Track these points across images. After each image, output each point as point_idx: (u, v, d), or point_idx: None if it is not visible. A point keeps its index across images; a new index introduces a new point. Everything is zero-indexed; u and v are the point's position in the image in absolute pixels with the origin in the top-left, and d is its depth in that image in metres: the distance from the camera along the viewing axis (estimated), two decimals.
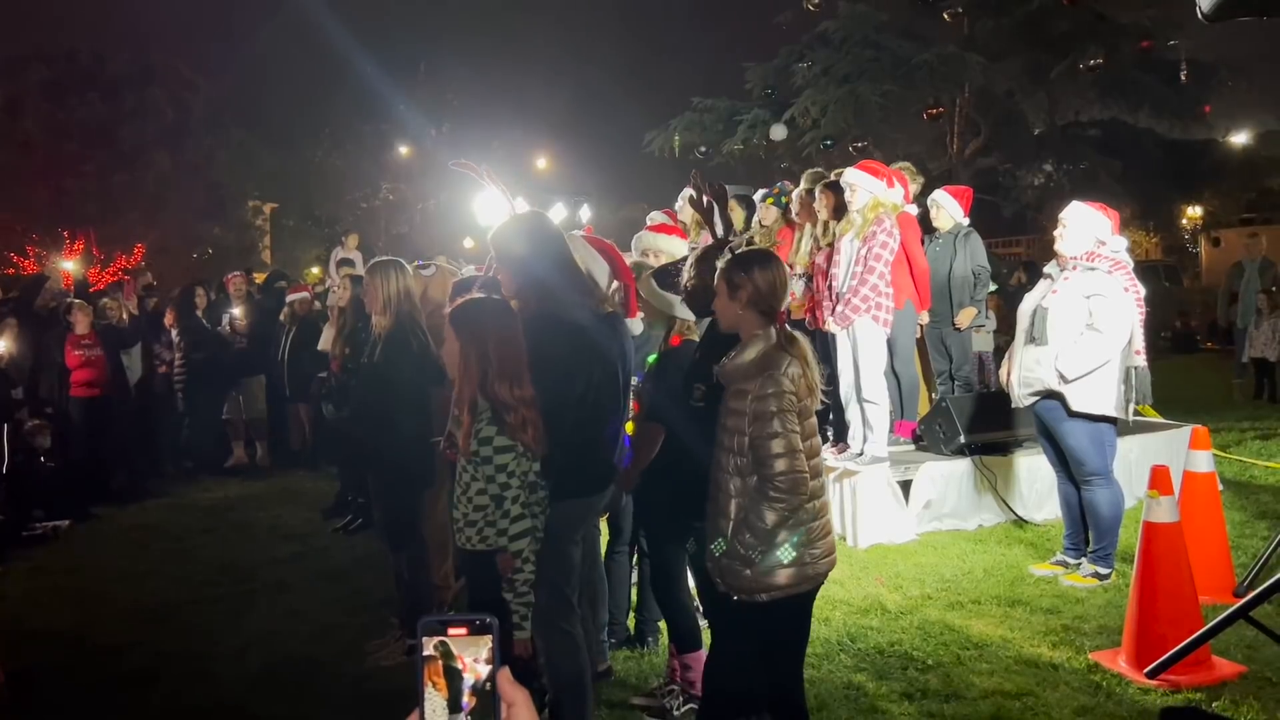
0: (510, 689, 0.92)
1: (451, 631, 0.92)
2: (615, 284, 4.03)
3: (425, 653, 0.92)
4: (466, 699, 0.91)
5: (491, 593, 3.25)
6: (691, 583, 3.97)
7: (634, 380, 3.97)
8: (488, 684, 0.91)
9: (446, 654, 0.91)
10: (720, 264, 3.22)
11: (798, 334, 3.11)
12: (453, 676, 0.91)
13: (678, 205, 7.62)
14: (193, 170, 26.66)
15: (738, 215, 7.42)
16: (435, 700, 0.91)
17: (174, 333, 9.83)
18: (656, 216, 6.72)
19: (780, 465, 2.89)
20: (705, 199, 3.80)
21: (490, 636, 0.92)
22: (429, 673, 0.91)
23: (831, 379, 6.68)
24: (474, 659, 0.91)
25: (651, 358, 3.95)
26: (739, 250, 3.31)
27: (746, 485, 2.98)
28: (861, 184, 6.26)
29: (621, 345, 3.70)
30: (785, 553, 2.96)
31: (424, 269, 5.47)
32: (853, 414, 6.52)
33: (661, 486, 3.78)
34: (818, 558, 3.01)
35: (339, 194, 32.30)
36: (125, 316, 9.48)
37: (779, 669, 3.17)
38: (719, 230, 3.70)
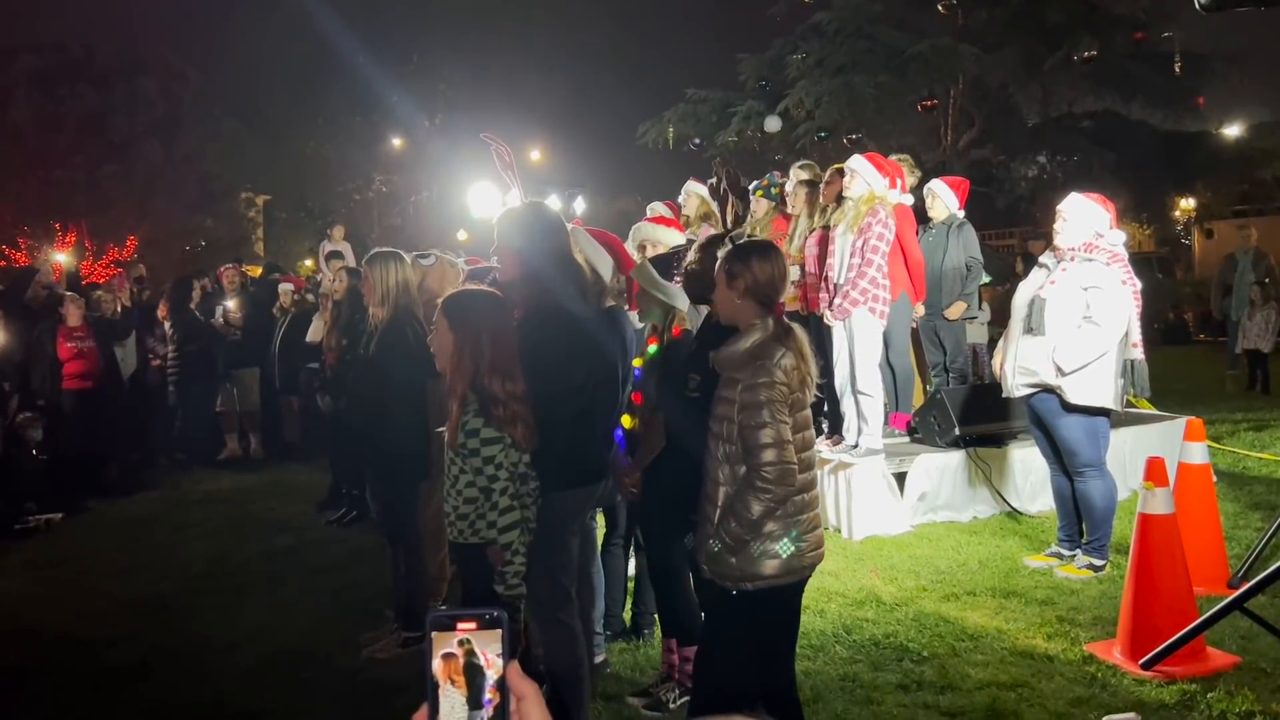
0: (520, 682, 0.91)
1: (461, 626, 0.91)
2: (619, 278, 4.03)
3: (445, 650, 0.90)
4: (489, 695, 0.90)
5: (485, 585, 3.24)
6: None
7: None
8: (500, 688, 0.91)
9: (469, 650, 0.90)
10: (720, 254, 3.21)
11: (796, 326, 3.10)
12: (474, 673, 0.90)
13: (680, 198, 7.61)
14: (184, 162, 26.50)
15: (761, 205, 7.42)
16: (454, 697, 0.90)
17: (167, 325, 9.79)
18: (658, 208, 6.72)
19: (769, 455, 2.89)
20: (723, 187, 3.83)
21: (500, 630, 0.91)
22: (448, 669, 0.90)
23: (826, 370, 6.69)
24: (495, 654, 0.90)
25: (652, 349, 3.94)
26: (739, 241, 3.31)
27: (735, 474, 2.99)
28: (862, 173, 6.25)
29: (622, 339, 3.69)
30: (784, 546, 2.96)
31: (423, 259, 5.45)
32: (847, 406, 6.52)
33: (660, 478, 3.77)
34: (805, 550, 3.02)
35: (331, 185, 32.18)
36: (119, 309, 9.43)
37: (769, 660, 3.17)
38: (727, 221, 3.73)
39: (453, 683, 0.90)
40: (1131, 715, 1.33)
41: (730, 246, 3.23)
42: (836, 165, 6.76)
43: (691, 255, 3.82)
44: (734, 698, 3.15)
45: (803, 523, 3.01)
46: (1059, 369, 5.10)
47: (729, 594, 3.03)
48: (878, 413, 6.40)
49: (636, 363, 3.96)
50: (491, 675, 0.90)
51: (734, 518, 2.95)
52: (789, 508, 2.97)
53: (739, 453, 2.96)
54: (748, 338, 3.02)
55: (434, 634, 0.91)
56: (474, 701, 0.90)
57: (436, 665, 0.90)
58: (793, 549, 2.97)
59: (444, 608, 4.08)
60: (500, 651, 0.91)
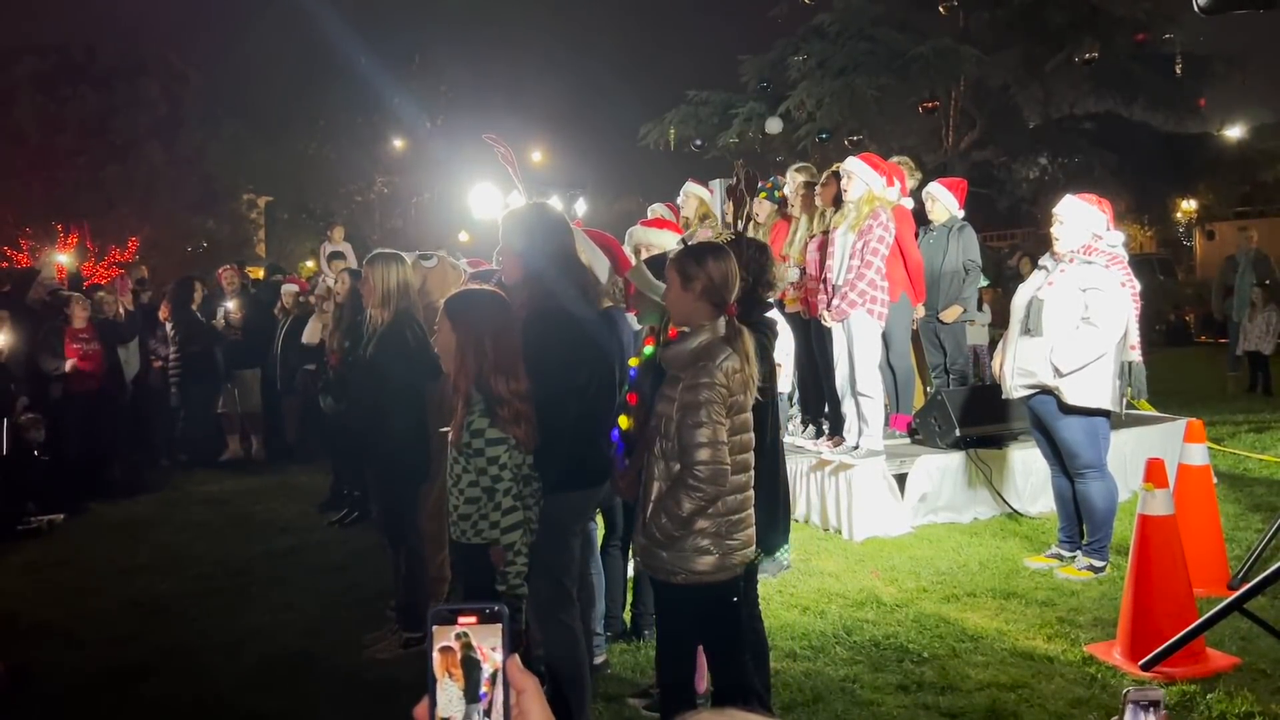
0: (520, 676, 0.92)
1: (462, 620, 0.92)
2: (615, 279, 4.03)
3: (443, 643, 0.91)
4: (485, 688, 0.91)
5: (486, 585, 3.25)
6: None
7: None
8: (500, 681, 0.92)
9: (466, 644, 0.91)
10: (671, 254, 3.26)
11: (745, 329, 3.12)
12: (471, 666, 0.91)
13: (679, 200, 7.62)
14: (186, 163, 26.55)
15: (764, 208, 7.43)
16: (451, 690, 0.91)
17: (168, 326, 9.80)
18: (657, 209, 6.72)
19: (703, 455, 2.94)
20: (741, 188, 3.87)
21: (500, 624, 0.92)
22: (446, 662, 0.91)
23: (827, 372, 6.70)
24: (491, 648, 0.91)
25: (648, 350, 3.95)
26: (691, 243, 3.36)
27: (670, 470, 3.04)
28: (859, 173, 6.27)
29: (620, 340, 3.69)
30: (700, 540, 3.03)
31: (425, 261, 5.46)
32: (848, 407, 6.52)
33: None
34: (734, 549, 3.07)
35: (333, 187, 32.19)
36: (122, 311, 9.45)
37: (717, 655, 3.24)
38: (740, 222, 3.76)
39: (450, 675, 0.91)
40: (1158, 690, 1.33)
41: (682, 247, 3.28)
42: (832, 168, 6.77)
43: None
44: (686, 689, 3.22)
45: (733, 521, 3.06)
46: (1056, 370, 5.10)
47: (668, 588, 3.11)
48: (878, 414, 6.41)
49: (633, 362, 3.97)
50: (488, 669, 0.91)
51: (665, 513, 3.01)
52: (720, 507, 3.03)
53: (675, 450, 3.01)
54: (695, 337, 3.06)
55: (435, 628, 0.92)
56: (471, 694, 0.91)
57: (435, 658, 0.91)
58: (709, 543, 3.04)
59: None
60: (500, 645, 0.92)
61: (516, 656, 0.93)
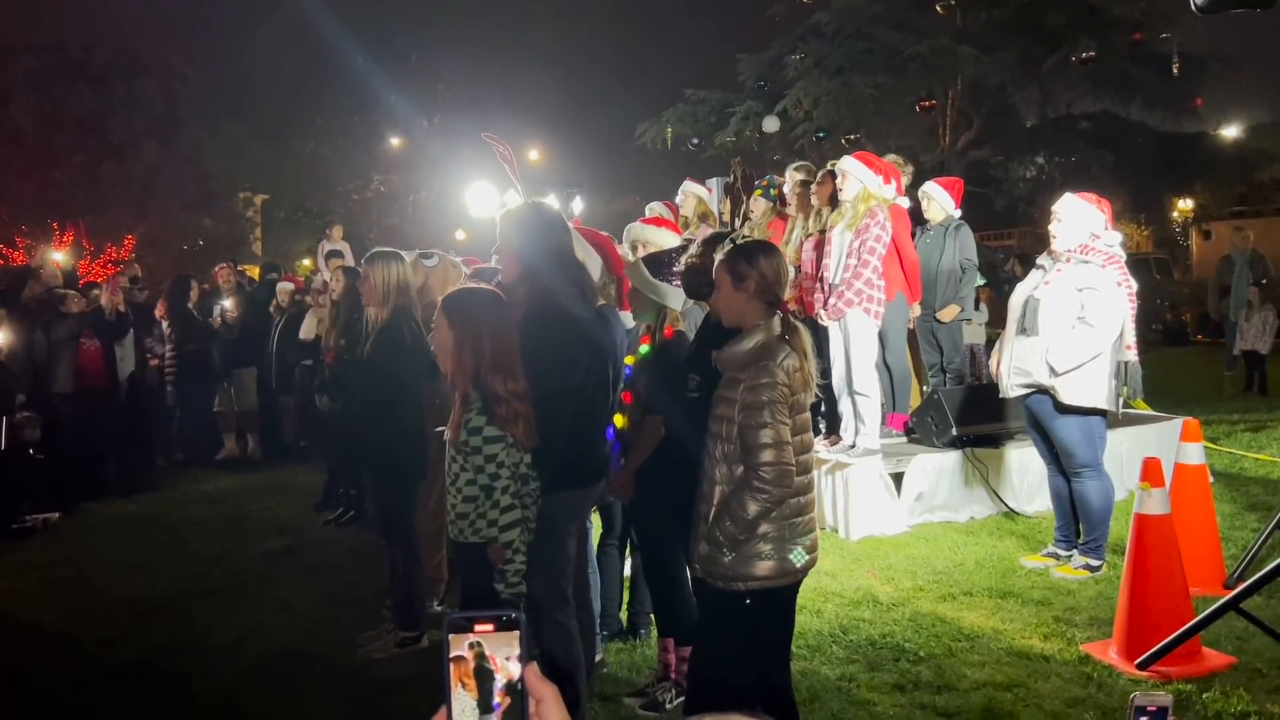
0: (539, 684, 0.91)
1: (478, 629, 0.91)
2: (606, 277, 4.03)
3: (455, 652, 0.91)
4: (498, 699, 0.90)
5: (484, 585, 3.24)
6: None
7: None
8: (519, 683, 0.90)
9: (479, 654, 0.90)
10: (720, 254, 3.20)
11: (801, 326, 3.09)
12: (484, 676, 0.90)
13: (678, 198, 7.62)
14: (182, 161, 26.48)
15: (759, 206, 7.43)
16: (464, 700, 0.90)
17: (165, 325, 9.79)
18: (656, 208, 6.72)
19: (767, 456, 2.89)
20: (738, 186, 3.86)
21: (518, 632, 0.91)
22: (458, 672, 0.90)
23: (824, 371, 6.70)
24: (505, 657, 0.90)
25: (644, 349, 3.94)
26: (740, 241, 3.30)
27: (732, 473, 2.98)
28: (854, 172, 6.27)
29: (614, 339, 3.69)
30: (797, 555, 2.97)
31: (426, 259, 5.45)
32: (845, 406, 6.52)
33: (657, 477, 3.78)
34: (797, 552, 3.01)
35: (330, 185, 32.16)
36: (114, 312, 9.43)
37: (764, 660, 3.17)
38: (736, 219, 3.76)
39: (463, 685, 0.90)
40: (1167, 696, 1.30)
41: (731, 246, 3.22)
42: (827, 167, 6.76)
43: (693, 250, 3.82)
44: (729, 697, 3.15)
45: (799, 525, 3.00)
46: (1052, 369, 5.10)
47: (723, 594, 3.03)
48: (875, 413, 6.41)
49: (628, 360, 3.97)
50: (500, 679, 0.90)
51: (730, 517, 2.94)
52: (785, 509, 2.97)
53: (737, 452, 2.96)
54: (751, 337, 3.00)
55: (451, 636, 0.91)
56: (484, 705, 0.90)
57: (451, 668, 0.90)
58: (805, 559, 2.98)
59: (440, 608, 4.05)
60: (517, 653, 0.90)
61: (535, 664, 0.92)
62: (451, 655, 0.90)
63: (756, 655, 3.14)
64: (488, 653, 0.90)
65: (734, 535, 2.94)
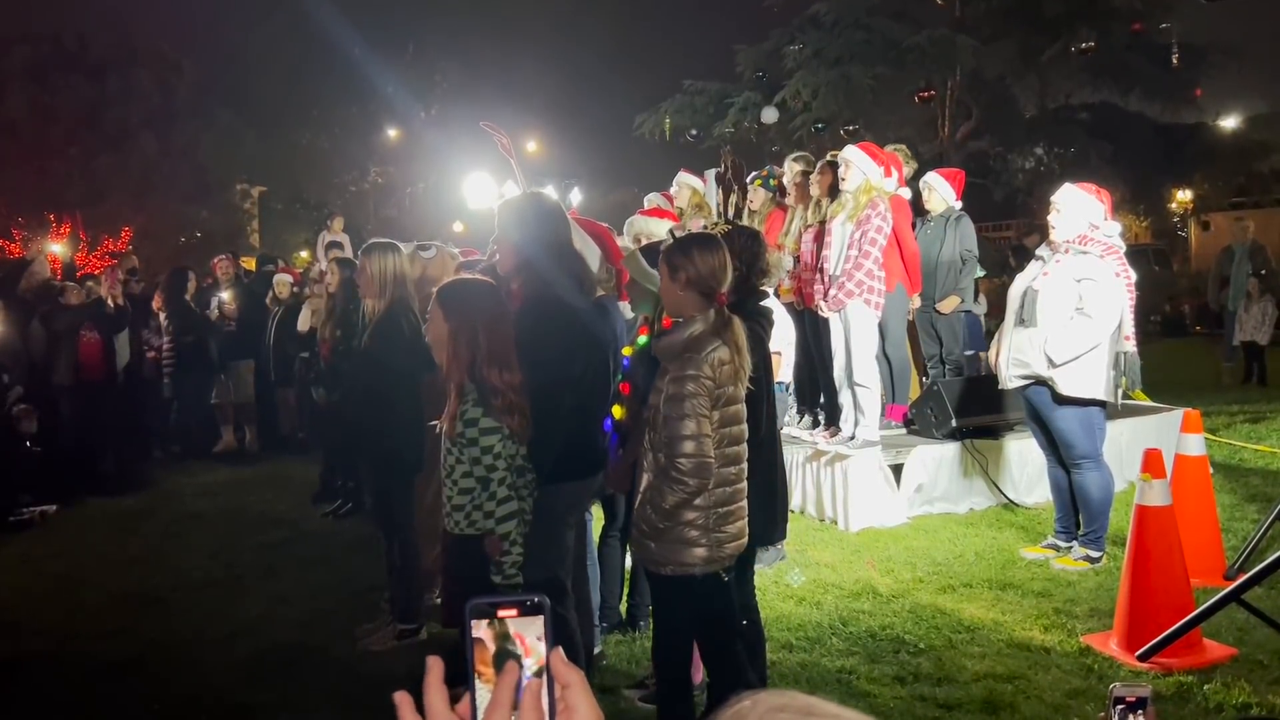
0: (565, 669, 0.89)
1: (502, 613, 0.89)
2: (605, 268, 4.01)
3: (476, 635, 0.88)
4: (524, 683, 0.88)
5: (481, 577, 3.23)
6: None
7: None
8: (545, 667, 0.88)
9: (504, 637, 0.88)
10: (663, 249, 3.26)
11: (736, 319, 3.10)
12: (505, 659, 0.88)
13: (674, 189, 7.59)
14: (179, 153, 26.40)
15: (759, 196, 7.40)
16: (482, 691, 0.87)
17: (162, 317, 9.76)
18: (654, 199, 6.70)
19: (687, 448, 2.93)
20: (728, 176, 3.85)
21: (543, 617, 0.89)
22: (480, 658, 0.88)
23: (825, 362, 6.68)
24: (531, 641, 0.88)
25: (642, 340, 3.92)
26: (679, 235, 3.36)
27: (657, 462, 3.03)
28: (857, 162, 6.24)
29: (613, 329, 3.67)
30: (688, 532, 3.02)
31: (424, 251, 5.42)
32: (845, 397, 6.51)
33: None
34: (723, 541, 3.07)
35: (327, 177, 32.05)
36: (111, 304, 9.40)
37: (709, 646, 3.25)
38: (729, 211, 3.75)
39: (480, 676, 0.87)
40: (1146, 686, 1.27)
41: (672, 240, 3.27)
42: (828, 158, 6.73)
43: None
44: (683, 681, 3.21)
45: (721, 514, 3.06)
46: (1050, 361, 5.09)
47: (659, 579, 3.12)
48: (875, 404, 6.39)
49: (626, 351, 3.95)
50: (531, 664, 0.88)
51: (650, 505, 3.02)
52: (710, 499, 3.02)
53: (663, 442, 3.00)
54: (686, 329, 3.05)
55: (473, 621, 0.89)
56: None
57: (471, 654, 0.88)
58: (697, 534, 3.03)
59: (438, 600, 4.01)
60: (542, 639, 0.88)
61: (560, 649, 0.90)
62: (474, 638, 0.88)
63: (705, 640, 3.24)
64: (513, 633, 0.88)
65: (654, 523, 3.02)
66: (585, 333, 3.48)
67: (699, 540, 3.02)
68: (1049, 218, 5.31)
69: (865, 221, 6.12)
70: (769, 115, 18.33)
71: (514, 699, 0.86)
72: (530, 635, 0.88)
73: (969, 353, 7.74)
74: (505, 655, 0.88)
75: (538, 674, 0.88)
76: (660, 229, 4.81)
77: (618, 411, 3.91)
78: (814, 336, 6.76)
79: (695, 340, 3.00)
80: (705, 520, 3.02)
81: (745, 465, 3.16)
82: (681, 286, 3.08)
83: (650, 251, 3.96)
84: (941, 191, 7.33)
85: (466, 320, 3.23)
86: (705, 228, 4.94)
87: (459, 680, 0.88)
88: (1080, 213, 5.19)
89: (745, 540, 3.18)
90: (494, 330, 3.24)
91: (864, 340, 6.25)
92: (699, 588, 3.08)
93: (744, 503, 3.16)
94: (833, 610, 4.76)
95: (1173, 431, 5.94)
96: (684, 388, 2.94)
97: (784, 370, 5.44)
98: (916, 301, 7.07)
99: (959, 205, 7.38)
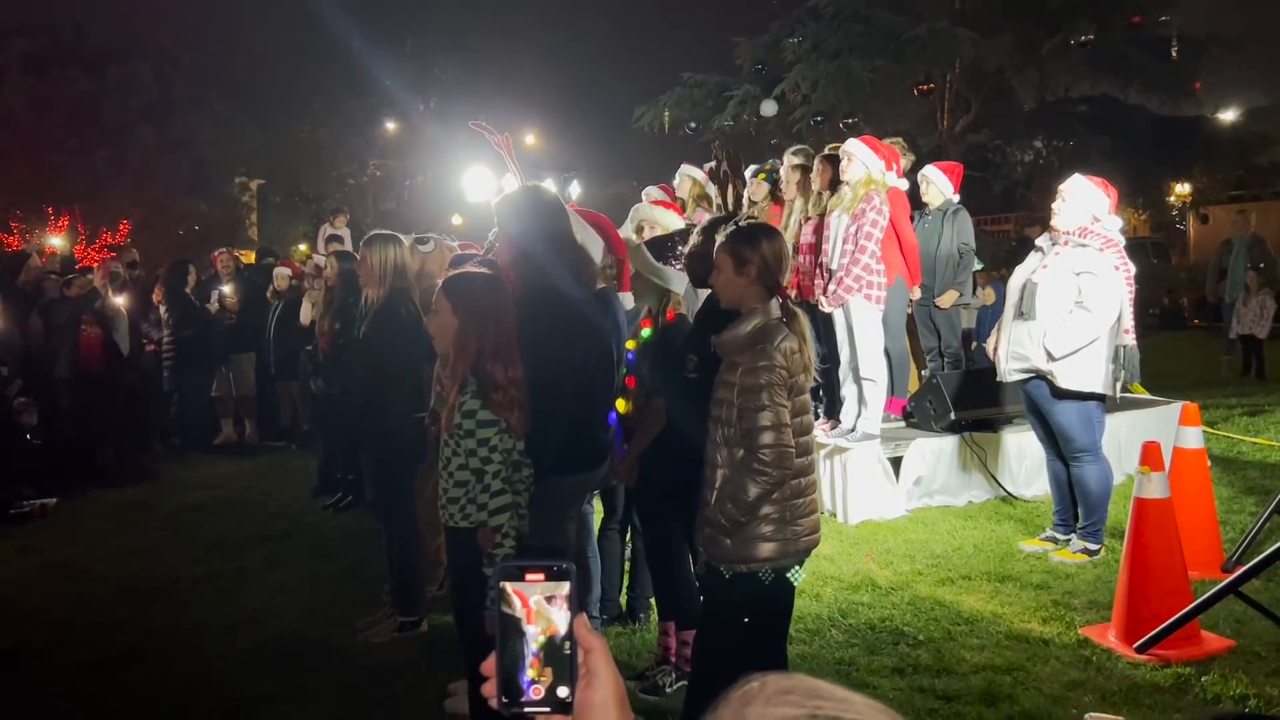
0: (588, 635, 0.91)
1: (529, 577, 0.91)
2: (608, 259, 4.01)
3: (506, 601, 0.91)
4: (545, 648, 0.91)
5: (477, 570, 3.23)
6: None
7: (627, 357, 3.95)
8: (569, 633, 0.90)
9: (531, 602, 0.91)
10: (721, 237, 3.19)
11: (800, 310, 3.09)
12: (537, 622, 0.90)
13: (675, 181, 7.58)
14: (177, 146, 26.35)
15: (761, 190, 7.38)
16: (512, 649, 0.90)
17: (162, 310, 9.76)
18: (653, 192, 6.68)
19: (767, 438, 2.90)
20: (723, 170, 3.83)
21: (568, 583, 0.91)
22: (506, 620, 0.90)
23: (825, 356, 6.68)
24: (555, 607, 0.90)
25: (646, 333, 3.93)
26: (743, 224, 3.30)
27: (733, 457, 2.99)
28: (859, 155, 6.23)
29: (615, 321, 3.67)
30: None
31: (422, 244, 5.43)
32: (848, 390, 6.51)
33: (657, 461, 3.76)
34: (800, 534, 3.03)
35: (326, 170, 32.01)
36: (109, 300, 9.40)
37: (763, 646, 3.18)
38: (729, 203, 3.72)
39: (510, 635, 0.90)
40: None
41: (734, 229, 3.21)
42: (827, 151, 6.71)
43: (694, 238, 3.81)
44: (730, 682, 3.15)
45: (798, 506, 3.01)
46: (1049, 354, 5.09)
47: (725, 577, 3.04)
48: (880, 398, 6.40)
49: (630, 345, 3.95)
50: (561, 626, 0.90)
51: (731, 500, 2.95)
52: (786, 491, 2.98)
53: (737, 436, 2.97)
54: (750, 321, 3.01)
55: (502, 584, 0.90)
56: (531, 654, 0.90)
57: (500, 615, 0.90)
58: (775, 528, 2.98)
59: (439, 592, 4.03)
60: (567, 603, 0.90)
61: (584, 615, 0.92)
62: (503, 605, 0.90)
63: (757, 637, 3.14)
64: (537, 600, 0.90)
65: (735, 518, 2.95)
66: (585, 324, 3.48)
67: (773, 535, 2.97)
68: (1054, 205, 5.30)
69: (861, 215, 6.11)
70: (768, 108, 18.32)
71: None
72: (554, 600, 0.90)
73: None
74: (535, 617, 0.90)
75: (558, 638, 0.90)
76: (666, 219, 4.79)
77: (622, 405, 3.91)
78: (812, 330, 6.75)
79: (763, 331, 2.97)
80: (781, 513, 2.98)
81: (815, 456, 3.12)
82: (750, 279, 3.04)
83: (655, 244, 3.96)
84: (939, 185, 7.32)
85: (476, 313, 3.22)
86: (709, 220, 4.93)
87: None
88: (1085, 204, 5.19)
89: (819, 535, 3.12)
90: (501, 324, 3.24)
91: (868, 335, 6.25)
92: (766, 587, 3.02)
93: (816, 496, 3.11)
94: (832, 602, 4.77)
95: (1171, 424, 5.95)
96: (759, 379, 2.91)
97: None
98: (917, 293, 7.07)
99: (957, 198, 7.37)
